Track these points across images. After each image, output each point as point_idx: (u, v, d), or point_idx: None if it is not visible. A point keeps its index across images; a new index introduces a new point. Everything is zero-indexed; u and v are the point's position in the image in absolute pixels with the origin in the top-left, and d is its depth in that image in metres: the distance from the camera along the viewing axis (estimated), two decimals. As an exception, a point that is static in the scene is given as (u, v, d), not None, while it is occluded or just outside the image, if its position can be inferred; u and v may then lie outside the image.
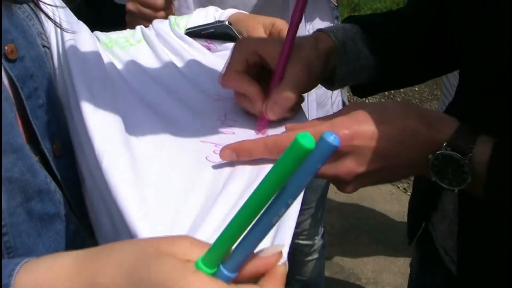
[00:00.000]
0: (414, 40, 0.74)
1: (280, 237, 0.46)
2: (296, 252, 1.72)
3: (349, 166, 0.57)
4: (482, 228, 0.66)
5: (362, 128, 0.57)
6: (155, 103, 0.71)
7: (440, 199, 0.77)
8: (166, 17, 1.11)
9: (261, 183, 0.37)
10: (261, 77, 0.67)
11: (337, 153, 0.57)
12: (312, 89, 0.70)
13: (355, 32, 0.72)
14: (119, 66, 0.80)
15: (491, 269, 0.67)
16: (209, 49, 0.87)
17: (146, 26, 0.95)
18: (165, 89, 0.75)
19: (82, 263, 0.43)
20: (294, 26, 0.65)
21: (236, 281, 0.41)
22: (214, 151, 0.61)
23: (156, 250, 0.40)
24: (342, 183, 0.59)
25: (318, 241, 1.72)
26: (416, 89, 3.83)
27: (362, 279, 2.35)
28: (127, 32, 0.93)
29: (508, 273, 0.62)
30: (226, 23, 0.86)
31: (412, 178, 1.12)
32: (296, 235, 1.70)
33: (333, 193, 2.68)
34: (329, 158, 0.54)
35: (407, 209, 0.91)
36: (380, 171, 0.57)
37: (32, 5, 0.69)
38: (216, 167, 0.58)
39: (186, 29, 0.89)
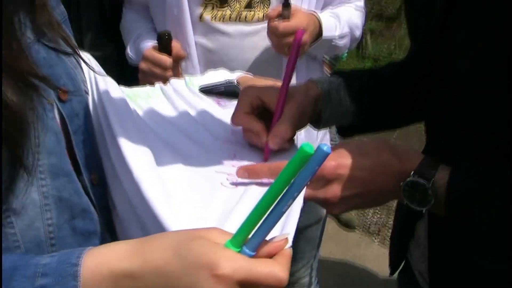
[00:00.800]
0: (387, 94, 0.90)
1: (286, 228, 0.60)
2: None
3: (335, 190, 0.71)
4: (449, 251, 0.80)
5: (345, 160, 0.72)
6: (174, 143, 0.86)
7: (415, 230, 0.90)
8: (174, 76, 1.28)
9: (274, 181, 0.52)
10: (263, 116, 0.84)
11: (325, 180, 0.71)
12: (303, 127, 0.86)
13: (339, 84, 0.89)
14: (141, 113, 0.95)
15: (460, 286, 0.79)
16: (219, 104, 1.03)
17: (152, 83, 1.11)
18: (182, 132, 0.90)
19: (137, 246, 0.56)
20: (287, 77, 0.82)
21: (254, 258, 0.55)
22: (227, 179, 0.75)
23: (194, 235, 0.55)
24: (329, 204, 0.73)
25: (312, 291, 1.82)
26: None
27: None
28: (148, 87, 1.09)
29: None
30: (235, 83, 1.03)
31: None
32: (291, 285, 1.80)
33: (328, 251, 2.79)
34: (319, 184, 0.69)
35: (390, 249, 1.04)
36: (360, 196, 0.72)
37: (76, 57, 0.84)
38: (230, 189, 0.73)
39: (200, 87, 1.05)
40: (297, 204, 0.63)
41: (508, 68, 0.62)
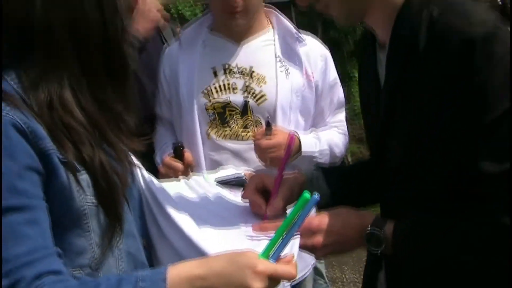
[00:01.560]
0: (352, 184, 1.30)
1: (293, 249, 0.96)
2: None
3: (318, 239, 1.08)
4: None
5: (325, 219, 1.09)
6: (202, 215, 1.21)
7: (377, 279, 1.24)
8: (184, 176, 1.64)
9: (286, 217, 0.89)
10: (264, 194, 1.23)
11: (312, 233, 1.08)
12: (292, 202, 1.23)
13: (319, 175, 1.29)
14: (174, 198, 1.31)
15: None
16: (230, 192, 1.40)
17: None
18: (204, 208, 1.26)
19: (203, 261, 0.91)
20: (281, 170, 1.23)
21: None
22: (246, 235, 1.12)
23: (238, 252, 0.90)
24: (315, 250, 1.09)
25: None
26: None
27: None
28: (174, 182, 1.46)
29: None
30: (243, 176, 1.41)
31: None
32: None
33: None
34: (308, 236, 1.06)
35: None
36: (335, 243, 1.09)
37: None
38: (248, 241, 1.09)
39: (215, 179, 1.43)
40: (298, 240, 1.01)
41: (423, 148, 1.02)
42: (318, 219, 1.10)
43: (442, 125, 0.98)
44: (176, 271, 0.89)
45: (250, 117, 1.79)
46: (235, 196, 1.36)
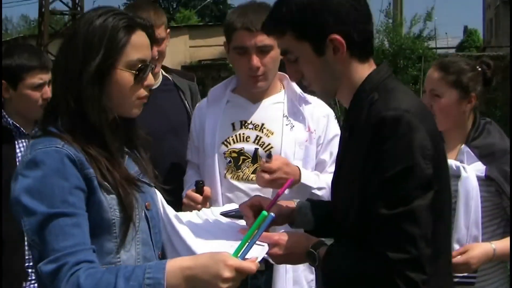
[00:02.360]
0: (331, 217, 1.65)
1: (256, 252, 1.37)
2: None
3: (277, 250, 1.48)
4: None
5: (284, 237, 1.49)
6: (207, 235, 1.61)
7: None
8: (203, 207, 2.04)
9: (249, 229, 1.29)
10: (258, 212, 1.57)
11: (273, 245, 1.46)
12: (283, 224, 1.61)
13: (307, 205, 1.67)
14: (186, 223, 1.72)
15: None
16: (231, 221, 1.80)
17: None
18: (205, 231, 1.66)
19: (191, 257, 1.32)
20: (277, 196, 1.65)
21: None
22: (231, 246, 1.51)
23: (217, 252, 1.30)
24: (273, 257, 1.48)
25: None
26: None
27: None
28: (189, 212, 1.87)
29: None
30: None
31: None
32: None
33: None
34: (271, 247, 1.45)
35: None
36: (287, 255, 1.48)
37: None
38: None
39: (220, 212, 1.83)
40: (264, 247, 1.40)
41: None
42: (279, 235, 1.50)
43: (363, 175, 1.36)
44: (173, 262, 1.30)
45: (258, 164, 2.20)
46: (233, 224, 1.76)
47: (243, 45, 2.14)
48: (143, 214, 1.50)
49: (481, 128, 2.13)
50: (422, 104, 1.48)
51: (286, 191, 1.90)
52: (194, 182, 2.15)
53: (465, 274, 1.98)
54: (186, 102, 2.66)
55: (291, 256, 1.49)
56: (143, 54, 1.46)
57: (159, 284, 1.23)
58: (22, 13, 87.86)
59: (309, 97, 2.29)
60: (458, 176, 2.01)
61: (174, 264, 1.28)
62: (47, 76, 2.29)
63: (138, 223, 1.46)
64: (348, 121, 1.49)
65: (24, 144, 2.30)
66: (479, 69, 2.15)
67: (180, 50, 16.51)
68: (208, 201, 2.13)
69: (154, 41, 1.54)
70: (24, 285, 2.22)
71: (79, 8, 11.72)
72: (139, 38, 1.46)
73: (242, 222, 1.69)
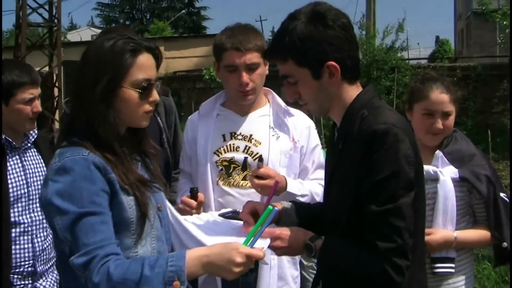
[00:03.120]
0: (312, 217, 1.86)
1: (263, 243, 1.58)
2: None
3: (278, 243, 1.67)
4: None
5: (285, 232, 1.69)
6: (208, 232, 1.80)
7: (319, 284, 1.79)
8: (197, 213, 2.23)
9: (257, 222, 1.51)
10: (254, 216, 1.79)
11: (275, 239, 1.66)
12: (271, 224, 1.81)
13: (292, 207, 1.88)
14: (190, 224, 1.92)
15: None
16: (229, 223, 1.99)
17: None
18: (208, 229, 1.85)
19: (207, 247, 1.53)
20: (268, 200, 1.84)
21: None
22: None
23: (229, 242, 1.51)
24: (275, 250, 1.68)
25: None
26: None
27: None
28: (189, 216, 2.06)
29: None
30: (238, 213, 2.00)
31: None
32: None
33: None
34: (273, 240, 1.66)
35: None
36: (288, 247, 1.67)
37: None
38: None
39: (218, 214, 2.02)
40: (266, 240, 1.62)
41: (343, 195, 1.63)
42: (280, 230, 1.70)
43: (357, 180, 1.59)
44: (191, 252, 1.51)
45: (248, 171, 2.40)
46: (231, 224, 1.95)
47: (233, 63, 2.35)
48: (157, 214, 1.69)
49: (451, 136, 2.38)
50: (403, 119, 1.71)
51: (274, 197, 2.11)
52: (189, 189, 2.34)
53: (445, 265, 2.25)
54: (158, 118, 2.91)
55: (291, 248, 1.69)
56: (147, 74, 1.65)
57: (181, 271, 1.43)
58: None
59: (292, 110, 2.51)
60: (436, 179, 2.26)
61: (193, 253, 1.49)
62: (37, 91, 2.42)
63: (153, 221, 1.65)
64: (341, 133, 1.71)
65: (17, 157, 2.42)
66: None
67: (156, 62, 16.57)
68: (202, 206, 2.32)
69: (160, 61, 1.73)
70: None
71: (56, 21, 11.70)
72: (145, 59, 1.64)
73: (240, 223, 1.88)
